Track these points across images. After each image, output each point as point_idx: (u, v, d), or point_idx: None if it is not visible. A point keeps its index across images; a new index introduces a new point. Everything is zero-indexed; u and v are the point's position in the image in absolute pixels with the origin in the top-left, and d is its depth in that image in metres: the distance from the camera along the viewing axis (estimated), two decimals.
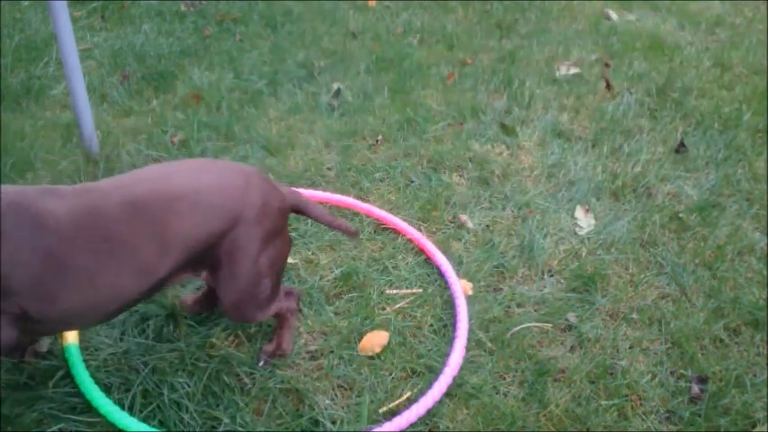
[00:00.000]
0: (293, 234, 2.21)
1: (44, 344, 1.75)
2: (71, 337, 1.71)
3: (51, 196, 1.37)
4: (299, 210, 1.71)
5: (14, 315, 1.35)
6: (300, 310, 1.92)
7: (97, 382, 1.65)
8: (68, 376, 1.68)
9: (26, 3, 3.87)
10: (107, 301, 1.42)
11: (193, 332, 1.83)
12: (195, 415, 1.61)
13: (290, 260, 2.09)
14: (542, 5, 4.28)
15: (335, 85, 3.15)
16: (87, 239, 1.36)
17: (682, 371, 1.83)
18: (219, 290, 1.59)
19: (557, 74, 3.40)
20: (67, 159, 2.51)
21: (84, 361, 1.71)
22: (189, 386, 1.67)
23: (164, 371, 1.70)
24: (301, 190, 2.35)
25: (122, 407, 1.61)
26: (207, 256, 1.51)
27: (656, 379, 1.80)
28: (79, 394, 1.63)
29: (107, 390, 1.65)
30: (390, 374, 1.76)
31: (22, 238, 1.32)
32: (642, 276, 2.14)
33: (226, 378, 1.71)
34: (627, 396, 1.74)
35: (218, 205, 1.48)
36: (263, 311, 1.66)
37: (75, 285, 1.36)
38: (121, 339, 1.79)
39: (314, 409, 1.65)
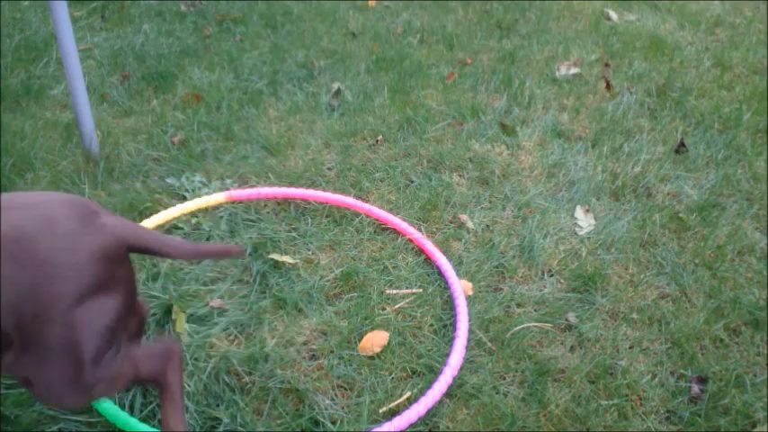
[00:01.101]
0: (293, 234, 2.21)
1: None
2: None
3: None
4: (139, 248, 1.28)
5: None
6: (306, 312, 1.92)
7: None
8: None
9: (26, 3, 3.88)
10: None
11: (193, 332, 1.83)
12: (195, 415, 1.62)
13: (289, 260, 2.09)
14: (542, 5, 4.28)
15: (335, 85, 3.15)
16: None
17: (682, 371, 1.83)
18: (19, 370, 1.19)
19: (557, 74, 3.40)
20: (67, 159, 2.51)
21: None
22: (189, 386, 1.67)
23: None
24: (301, 190, 2.35)
25: (122, 407, 1.61)
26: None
27: (656, 379, 1.80)
28: None
29: None
30: (390, 374, 1.76)
31: None
32: (642, 276, 2.14)
33: (226, 378, 1.71)
34: (627, 396, 1.74)
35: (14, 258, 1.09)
36: (84, 393, 1.22)
37: None
38: None
39: (314, 409, 1.65)
